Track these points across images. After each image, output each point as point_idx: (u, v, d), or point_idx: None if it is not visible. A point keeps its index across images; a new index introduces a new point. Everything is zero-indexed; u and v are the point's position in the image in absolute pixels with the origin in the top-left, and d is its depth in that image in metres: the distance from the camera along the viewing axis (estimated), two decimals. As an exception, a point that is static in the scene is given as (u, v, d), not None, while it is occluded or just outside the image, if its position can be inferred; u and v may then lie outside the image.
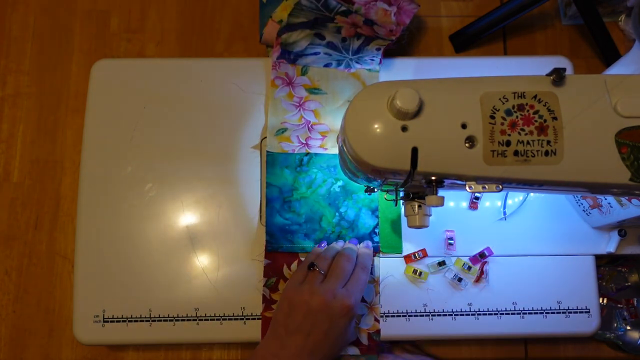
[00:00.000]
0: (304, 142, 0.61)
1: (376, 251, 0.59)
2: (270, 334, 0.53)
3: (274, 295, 0.58)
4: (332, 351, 0.52)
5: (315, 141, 0.61)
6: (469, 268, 0.59)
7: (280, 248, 0.59)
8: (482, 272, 0.58)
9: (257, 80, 0.63)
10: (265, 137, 0.62)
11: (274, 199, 0.60)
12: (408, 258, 0.59)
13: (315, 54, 0.62)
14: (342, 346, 0.54)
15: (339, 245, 0.59)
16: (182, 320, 0.58)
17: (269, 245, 0.59)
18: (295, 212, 0.60)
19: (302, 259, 0.59)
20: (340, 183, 0.60)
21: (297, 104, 0.62)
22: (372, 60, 0.62)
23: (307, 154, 0.60)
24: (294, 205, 0.60)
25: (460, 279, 0.58)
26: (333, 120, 0.62)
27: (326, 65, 0.62)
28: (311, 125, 0.62)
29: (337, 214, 0.60)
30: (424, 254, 0.59)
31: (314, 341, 0.50)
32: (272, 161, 0.60)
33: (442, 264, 0.59)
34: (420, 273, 0.58)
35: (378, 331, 0.58)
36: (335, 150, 0.61)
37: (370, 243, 0.59)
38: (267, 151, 0.61)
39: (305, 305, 0.51)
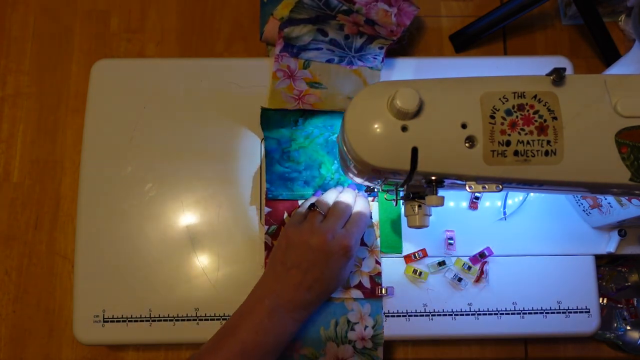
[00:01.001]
0: (299, 96, 0.61)
1: (374, 196, 0.60)
2: (268, 272, 0.54)
3: (275, 241, 0.59)
4: (328, 288, 0.53)
5: (309, 99, 0.61)
6: (469, 268, 0.59)
7: (280, 195, 0.60)
8: (482, 272, 0.58)
9: (258, 80, 0.63)
10: (264, 138, 0.62)
11: (273, 150, 0.60)
12: (408, 258, 0.59)
13: (318, 48, 0.62)
14: (339, 284, 0.55)
15: (337, 189, 0.59)
16: (182, 320, 0.58)
17: (269, 192, 0.60)
18: (294, 161, 0.60)
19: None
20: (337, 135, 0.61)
21: (297, 97, 0.62)
22: (375, 58, 0.62)
23: (303, 114, 0.60)
24: (293, 154, 0.60)
25: (460, 279, 0.58)
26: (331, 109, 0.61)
27: (328, 61, 0.62)
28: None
29: (335, 161, 0.61)
30: (424, 254, 0.59)
31: (311, 277, 0.51)
32: (266, 121, 0.59)
33: (442, 264, 0.59)
34: (420, 273, 0.58)
35: (379, 273, 0.58)
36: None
37: (365, 194, 0.60)
38: (262, 108, 0.59)
39: (305, 243, 0.52)
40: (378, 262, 0.59)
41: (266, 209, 0.60)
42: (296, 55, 0.62)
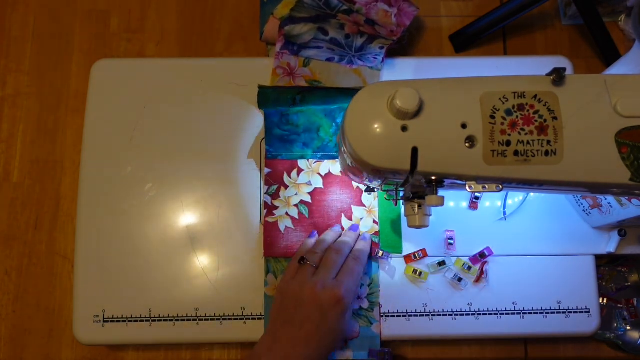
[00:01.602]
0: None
1: (375, 242, 0.59)
2: (266, 331, 0.53)
3: (275, 201, 0.60)
4: (326, 342, 0.51)
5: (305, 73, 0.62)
6: (469, 268, 0.59)
7: (279, 156, 0.61)
8: (482, 272, 0.58)
9: (258, 80, 0.63)
10: (264, 138, 0.62)
11: (272, 114, 0.61)
12: (408, 258, 0.59)
13: (319, 47, 0.62)
14: (339, 337, 0.53)
15: (332, 233, 0.58)
16: (182, 320, 0.58)
17: (268, 153, 0.61)
18: (293, 124, 0.61)
19: (301, 166, 0.60)
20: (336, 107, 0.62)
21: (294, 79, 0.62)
22: (375, 58, 0.62)
23: (300, 92, 0.60)
24: (292, 118, 0.61)
25: (460, 279, 0.58)
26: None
27: (329, 59, 0.62)
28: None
29: (334, 124, 0.61)
30: (423, 254, 0.59)
31: (306, 332, 0.50)
32: (264, 100, 0.60)
33: (442, 264, 0.59)
34: (420, 273, 0.58)
35: (377, 233, 0.59)
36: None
37: (368, 235, 0.59)
38: (259, 86, 0.60)
39: (296, 297, 0.51)
40: (375, 222, 0.59)
41: (266, 170, 0.61)
42: (296, 53, 0.62)
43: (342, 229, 0.60)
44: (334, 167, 0.61)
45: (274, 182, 0.61)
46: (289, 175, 0.61)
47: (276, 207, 0.60)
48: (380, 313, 0.58)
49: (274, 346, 0.50)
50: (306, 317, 0.50)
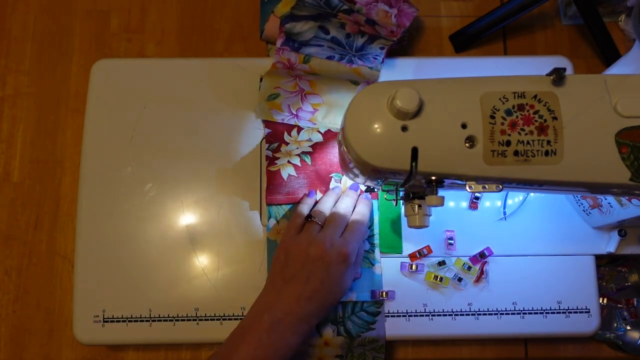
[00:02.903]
0: (295, 112, 0.60)
1: (374, 191, 0.59)
2: (267, 286, 0.53)
3: (276, 154, 0.61)
4: (328, 298, 0.52)
5: (305, 113, 0.61)
6: (469, 268, 0.59)
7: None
8: (482, 272, 0.58)
9: (258, 80, 0.63)
10: (264, 138, 0.62)
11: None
12: (413, 257, 0.59)
13: (319, 45, 0.62)
14: (340, 294, 0.54)
15: (333, 194, 0.59)
16: (182, 320, 0.58)
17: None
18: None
19: (301, 124, 0.61)
20: None
21: (295, 76, 0.62)
22: (375, 58, 0.62)
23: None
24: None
25: (460, 279, 0.58)
26: (328, 91, 0.61)
27: (329, 58, 0.62)
28: (305, 94, 0.61)
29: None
30: (428, 250, 0.59)
31: (311, 288, 0.50)
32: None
33: (442, 263, 0.59)
34: (442, 279, 0.58)
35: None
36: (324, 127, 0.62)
37: (369, 195, 0.59)
38: (262, 77, 0.61)
39: (303, 253, 0.51)
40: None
41: (266, 130, 0.61)
42: (297, 50, 0.62)
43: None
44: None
45: (274, 141, 0.61)
46: (289, 134, 0.61)
47: (277, 158, 0.61)
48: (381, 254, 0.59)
49: (278, 301, 0.51)
50: (312, 273, 0.51)
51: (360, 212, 0.57)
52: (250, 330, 0.50)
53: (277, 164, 0.61)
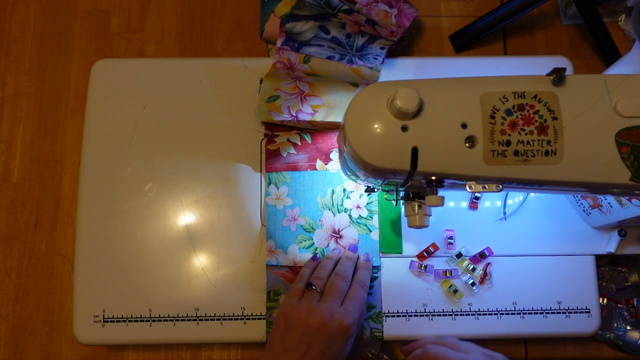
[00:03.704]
0: (294, 114, 0.60)
1: (376, 265, 0.59)
2: (267, 353, 0.52)
3: (276, 131, 0.62)
4: None
5: (305, 115, 0.60)
6: (474, 269, 0.58)
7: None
8: (485, 274, 0.58)
9: (258, 80, 0.63)
10: (264, 139, 0.62)
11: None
12: (421, 256, 0.59)
13: (320, 45, 0.62)
14: None
15: (335, 254, 0.58)
16: (182, 320, 0.58)
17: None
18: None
19: (300, 127, 0.61)
20: None
21: (295, 78, 0.62)
22: (375, 58, 0.62)
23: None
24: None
25: (473, 284, 0.58)
26: (328, 93, 0.61)
27: (329, 57, 0.62)
28: (304, 96, 0.60)
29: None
30: (434, 248, 0.59)
31: (311, 358, 0.49)
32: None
33: (459, 255, 0.59)
34: (456, 291, 0.58)
35: None
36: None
37: (370, 255, 0.59)
38: (261, 80, 0.61)
39: (303, 324, 0.50)
40: None
41: (265, 131, 0.62)
42: (297, 50, 0.62)
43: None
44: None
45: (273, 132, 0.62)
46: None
47: (277, 135, 0.61)
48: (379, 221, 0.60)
49: None
50: (312, 344, 0.50)
51: (361, 278, 0.56)
52: None
53: (276, 142, 0.61)
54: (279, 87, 0.61)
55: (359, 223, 0.59)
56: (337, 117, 0.61)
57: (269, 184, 0.60)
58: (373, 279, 0.59)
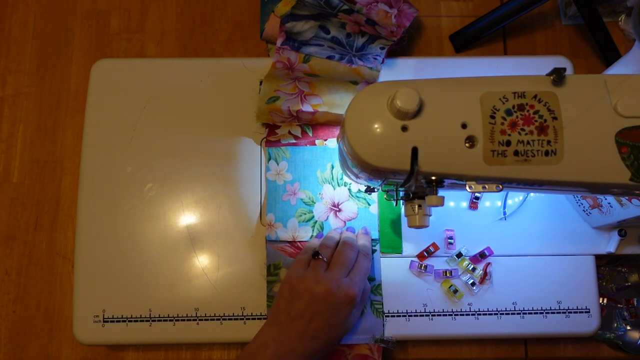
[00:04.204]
0: (294, 114, 0.60)
1: (374, 238, 0.60)
2: (271, 320, 0.53)
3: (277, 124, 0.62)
4: (332, 337, 0.52)
5: (306, 114, 0.60)
6: (474, 269, 0.58)
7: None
8: (485, 274, 0.58)
9: (258, 80, 0.63)
10: (264, 139, 0.62)
11: None
12: (421, 256, 0.59)
13: (319, 45, 0.62)
14: (344, 333, 0.54)
15: (337, 232, 0.59)
16: (182, 320, 0.58)
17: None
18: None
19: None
20: None
21: (294, 78, 0.62)
22: (375, 59, 0.62)
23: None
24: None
25: (473, 284, 0.58)
26: (328, 92, 0.61)
27: (329, 57, 0.62)
28: (304, 96, 0.61)
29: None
30: (435, 247, 0.59)
31: (315, 327, 0.50)
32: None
33: (459, 255, 0.59)
34: (457, 291, 0.58)
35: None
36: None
37: (368, 229, 0.60)
38: (261, 81, 0.61)
39: (309, 292, 0.51)
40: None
41: (266, 130, 0.62)
42: (297, 49, 0.62)
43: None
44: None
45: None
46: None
47: (278, 127, 0.61)
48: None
49: (281, 338, 0.51)
50: (317, 313, 0.51)
51: (364, 249, 0.57)
52: None
53: (277, 133, 0.61)
54: (278, 88, 0.61)
55: (358, 197, 0.60)
56: (338, 116, 0.61)
57: (269, 159, 0.61)
58: (372, 251, 0.59)
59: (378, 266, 0.59)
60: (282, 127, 0.61)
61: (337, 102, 0.61)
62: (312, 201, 0.60)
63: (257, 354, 0.50)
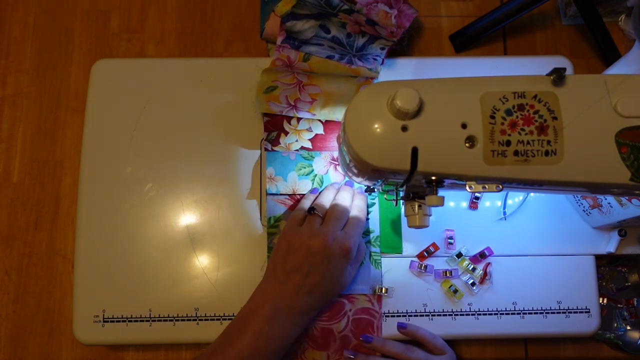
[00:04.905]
0: (293, 103, 0.60)
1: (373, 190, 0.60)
2: (268, 276, 0.54)
3: (275, 147, 0.61)
4: (328, 291, 0.53)
5: (304, 104, 0.60)
6: (474, 269, 0.58)
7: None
8: (485, 274, 0.58)
9: (258, 80, 0.63)
10: (263, 139, 0.62)
11: None
12: (421, 256, 0.59)
13: (320, 44, 0.62)
14: (340, 288, 0.55)
15: (334, 186, 0.59)
16: (182, 320, 0.58)
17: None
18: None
19: (299, 116, 0.61)
20: None
21: (293, 71, 0.62)
22: (375, 59, 0.62)
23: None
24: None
25: (473, 284, 0.58)
26: (327, 82, 0.61)
27: (329, 57, 0.62)
28: (302, 85, 0.61)
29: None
30: (435, 247, 0.59)
31: (312, 281, 0.51)
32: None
33: (459, 255, 0.59)
34: (456, 291, 0.58)
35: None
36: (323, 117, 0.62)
37: (361, 188, 0.60)
38: (263, 71, 0.61)
39: (305, 246, 0.52)
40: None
41: (265, 118, 0.61)
42: (297, 48, 0.62)
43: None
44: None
45: (274, 129, 0.61)
46: (289, 123, 0.61)
47: (277, 152, 0.61)
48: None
49: (278, 292, 0.51)
50: (313, 266, 0.51)
51: (359, 206, 0.57)
52: (252, 319, 0.51)
53: (280, 143, 0.61)
54: (277, 79, 0.61)
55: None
56: (336, 105, 0.61)
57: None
58: (370, 205, 0.60)
59: (376, 217, 0.60)
60: (288, 136, 0.61)
61: (335, 90, 0.60)
62: (312, 156, 0.61)
63: (255, 311, 0.51)
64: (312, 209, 0.55)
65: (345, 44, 0.62)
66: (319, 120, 0.62)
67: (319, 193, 0.59)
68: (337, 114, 0.61)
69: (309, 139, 0.61)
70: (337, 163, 0.61)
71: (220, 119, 0.62)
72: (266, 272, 0.55)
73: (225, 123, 0.62)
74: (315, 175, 0.60)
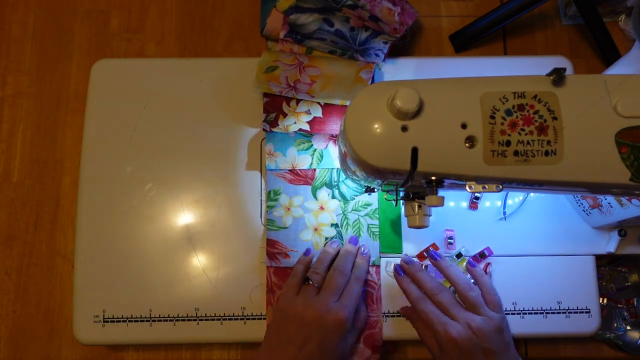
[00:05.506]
0: (292, 84, 0.59)
1: (373, 257, 0.59)
2: (264, 345, 0.53)
3: (274, 129, 0.60)
4: None
5: (303, 85, 0.59)
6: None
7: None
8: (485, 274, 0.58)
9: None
10: (264, 139, 0.62)
11: None
12: (421, 256, 0.59)
13: (322, 39, 0.62)
14: (338, 358, 0.53)
15: (333, 248, 0.58)
16: (182, 320, 0.58)
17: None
18: None
19: (299, 97, 0.60)
20: None
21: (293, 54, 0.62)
22: (377, 55, 0.62)
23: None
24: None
25: (474, 283, 0.58)
26: (327, 64, 0.61)
27: (331, 52, 0.62)
28: (303, 67, 0.60)
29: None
30: (435, 248, 0.59)
31: (306, 353, 0.50)
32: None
33: (459, 256, 0.59)
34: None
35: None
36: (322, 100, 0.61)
37: (366, 250, 0.59)
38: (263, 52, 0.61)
39: (299, 317, 0.51)
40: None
41: (265, 99, 0.61)
42: (300, 42, 0.62)
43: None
44: None
45: (272, 110, 0.61)
46: (288, 104, 0.61)
47: (279, 117, 0.61)
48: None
49: None
50: (309, 338, 0.50)
51: (358, 273, 0.56)
52: None
53: (279, 124, 0.61)
54: (278, 59, 0.61)
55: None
56: (335, 88, 0.60)
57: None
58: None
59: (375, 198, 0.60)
60: (287, 118, 0.61)
61: (335, 73, 0.60)
62: (311, 133, 0.60)
63: None
64: (307, 279, 0.54)
65: (348, 37, 0.62)
66: (318, 103, 0.61)
67: (311, 258, 0.57)
68: (335, 97, 0.60)
69: (308, 122, 0.61)
70: (335, 139, 0.60)
71: (219, 119, 0.62)
72: (263, 341, 0.54)
73: (225, 123, 0.62)
74: (315, 150, 0.60)
